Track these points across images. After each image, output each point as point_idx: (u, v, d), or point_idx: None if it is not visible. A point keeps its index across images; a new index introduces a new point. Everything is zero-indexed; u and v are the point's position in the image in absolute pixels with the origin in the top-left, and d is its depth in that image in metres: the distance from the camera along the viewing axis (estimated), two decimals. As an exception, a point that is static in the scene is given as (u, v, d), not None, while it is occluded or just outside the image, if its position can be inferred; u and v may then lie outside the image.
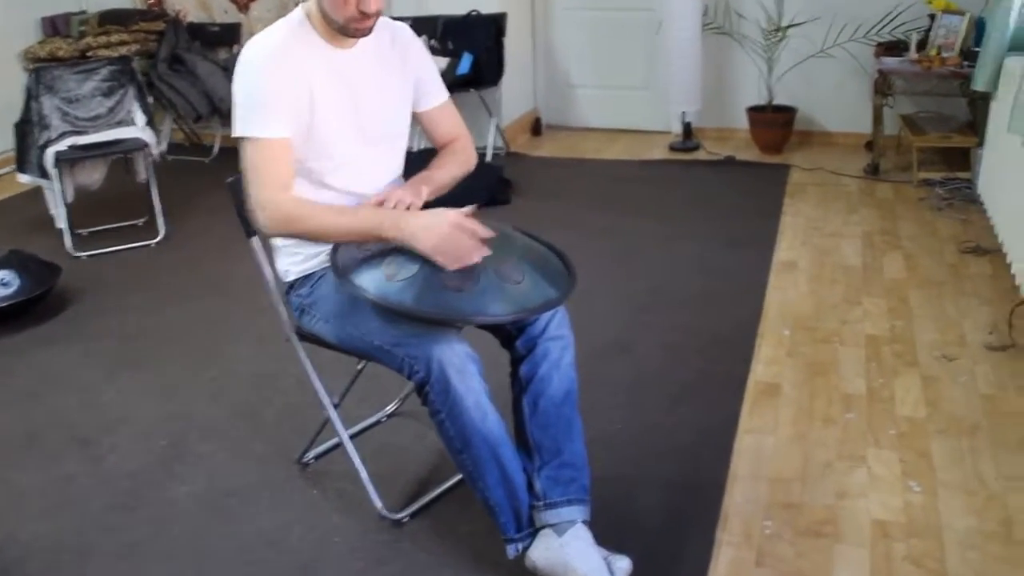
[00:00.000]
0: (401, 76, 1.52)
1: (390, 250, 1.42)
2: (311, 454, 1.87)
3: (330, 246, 1.53)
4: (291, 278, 1.60)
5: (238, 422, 2.07)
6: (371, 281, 1.40)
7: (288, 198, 1.43)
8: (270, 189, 1.37)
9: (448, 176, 1.56)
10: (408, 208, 1.49)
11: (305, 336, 1.66)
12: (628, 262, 3.05)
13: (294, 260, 1.64)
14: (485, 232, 1.38)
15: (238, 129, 1.38)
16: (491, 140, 4.28)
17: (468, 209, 1.41)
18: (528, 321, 1.46)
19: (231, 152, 4.36)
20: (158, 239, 3.27)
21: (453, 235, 1.36)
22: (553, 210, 3.54)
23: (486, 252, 1.36)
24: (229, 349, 2.44)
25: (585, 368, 2.06)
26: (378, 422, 2.05)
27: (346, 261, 1.46)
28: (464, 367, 1.39)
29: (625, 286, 2.70)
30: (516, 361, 1.51)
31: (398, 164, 1.59)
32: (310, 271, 1.63)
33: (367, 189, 1.51)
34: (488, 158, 4.24)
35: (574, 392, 1.49)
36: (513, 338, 1.50)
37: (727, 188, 3.81)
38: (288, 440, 1.96)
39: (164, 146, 4.43)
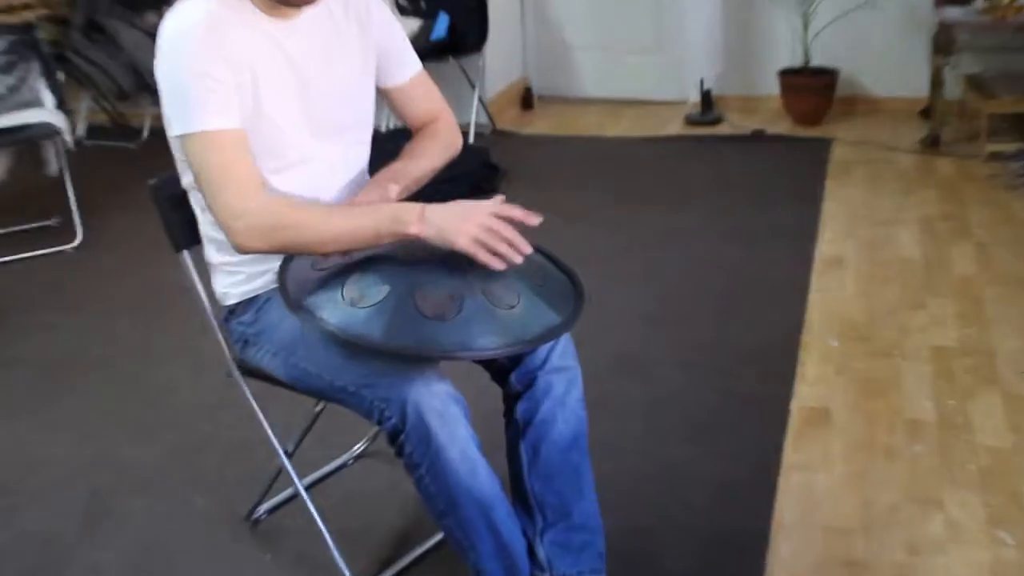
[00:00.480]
0: (360, 49, 1.47)
1: (351, 266, 1.36)
2: (263, 508, 1.84)
3: (276, 263, 1.47)
4: (231, 302, 1.55)
5: (174, 467, 2.06)
6: (330, 308, 1.34)
7: (269, 201, 1.34)
8: (243, 192, 1.32)
9: (427, 166, 1.53)
10: None
11: (250, 371, 1.61)
12: (638, 260, 3.03)
13: (234, 280, 1.58)
14: (533, 219, 1.35)
15: (177, 126, 1.32)
16: (473, 117, 4.26)
17: (499, 198, 1.37)
18: (525, 351, 1.43)
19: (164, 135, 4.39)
20: (76, 243, 3.31)
21: (496, 224, 1.33)
22: (548, 200, 3.54)
23: (529, 249, 1.33)
24: (163, 375, 2.43)
25: (590, 391, 2.03)
26: (344, 465, 2.02)
27: (298, 283, 1.40)
28: (446, 411, 1.34)
29: (635, 290, 2.72)
30: (511, 398, 1.48)
31: (360, 159, 1.55)
32: (253, 293, 1.57)
33: (323, 194, 1.47)
34: (471, 139, 4.22)
35: (583, 435, 1.47)
36: (507, 371, 1.48)
37: (756, 169, 3.79)
38: (235, 490, 1.94)
39: (81, 131, 4.36)
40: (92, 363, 2.59)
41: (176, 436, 2.18)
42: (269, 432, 1.64)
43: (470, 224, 1.32)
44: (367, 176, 1.64)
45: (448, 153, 1.63)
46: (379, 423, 1.39)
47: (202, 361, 2.49)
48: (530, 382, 1.46)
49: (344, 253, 1.40)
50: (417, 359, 1.34)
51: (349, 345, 1.33)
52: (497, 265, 1.32)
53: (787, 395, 2.10)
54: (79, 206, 3.28)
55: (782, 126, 4.21)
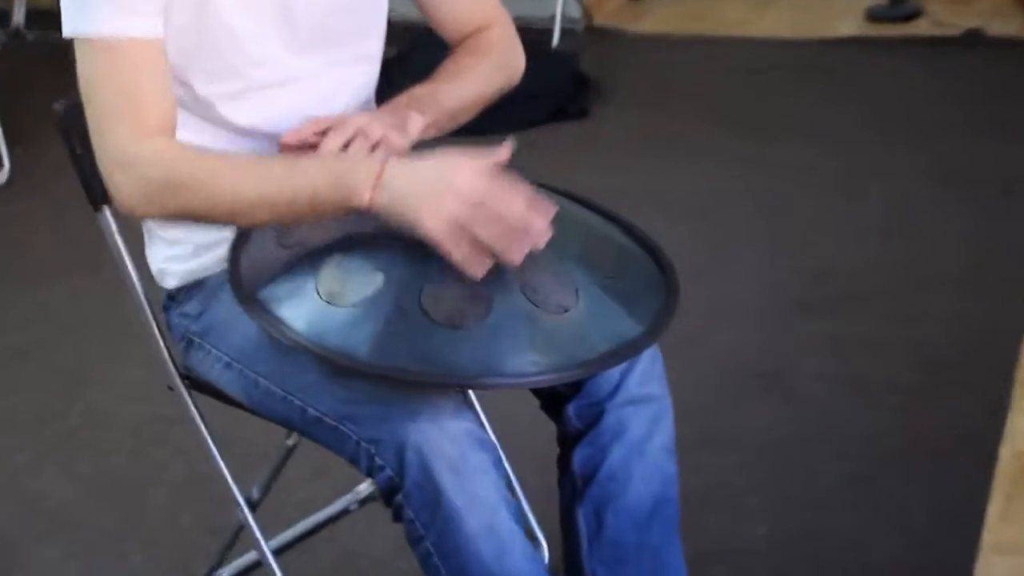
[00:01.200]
0: None
1: (333, 244, 1.35)
2: (225, 573, 1.83)
3: (232, 232, 1.44)
4: (171, 284, 1.57)
5: (105, 507, 2.07)
6: (297, 305, 1.32)
7: (166, 147, 1.35)
8: (137, 132, 1.33)
9: (470, 94, 1.53)
10: (376, 150, 1.41)
11: (199, 384, 1.58)
12: (781, 222, 3.01)
13: (175, 254, 1.55)
14: (546, 210, 1.29)
15: (70, 23, 1.34)
16: (559, 9, 4.19)
17: (505, 148, 1.31)
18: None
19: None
20: (1, 180, 3.37)
21: (490, 203, 1.27)
22: (657, 129, 3.52)
23: (548, 235, 1.28)
24: (103, 373, 2.49)
25: (696, 422, 2.03)
26: (344, 512, 1.98)
27: (256, 264, 1.38)
28: (464, 461, 1.30)
29: (774, 265, 2.81)
30: (568, 440, 1.49)
31: (364, 83, 1.55)
32: (201, 274, 1.54)
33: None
34: (554, 42, 4.16)
35: (672, 500, 1.47)
36: (563, 400, 1.48)
37: (970, 87, 3.70)
38: (189, 543, 1.95)
39: (20, 17, 4.40)
40: (10, 350, 2.61)
41: (113, 465, 2.22)
42: (225, 472, 1.61)
43: (447, 199, 1.26)
44: (374, 106, 1.61)
45: (503, 76, 1.58)
46: (368, 473, 1.36)
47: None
48: (595, 418, 1.45)
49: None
50: (421, 386, 1.30)
51: (322, 362, 1.30)
52: (474, 269, 1.27)
53: (995, 433, 2.09)
54: (5, 125, 3.28)
55: (1011, 24, 4.07)
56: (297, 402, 1.42)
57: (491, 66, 1.58)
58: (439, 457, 1.31)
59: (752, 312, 2.61)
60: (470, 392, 1.50)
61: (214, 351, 1.53)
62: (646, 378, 1.47)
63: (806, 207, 3.06)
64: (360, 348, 1.27)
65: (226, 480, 1.63)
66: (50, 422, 2.37)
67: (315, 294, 1.32)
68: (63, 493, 2.17)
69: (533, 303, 1.31)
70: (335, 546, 1.94)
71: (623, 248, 1.47)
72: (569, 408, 1.46)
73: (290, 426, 1.49)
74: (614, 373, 1.47)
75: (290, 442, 1.75)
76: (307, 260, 1.36)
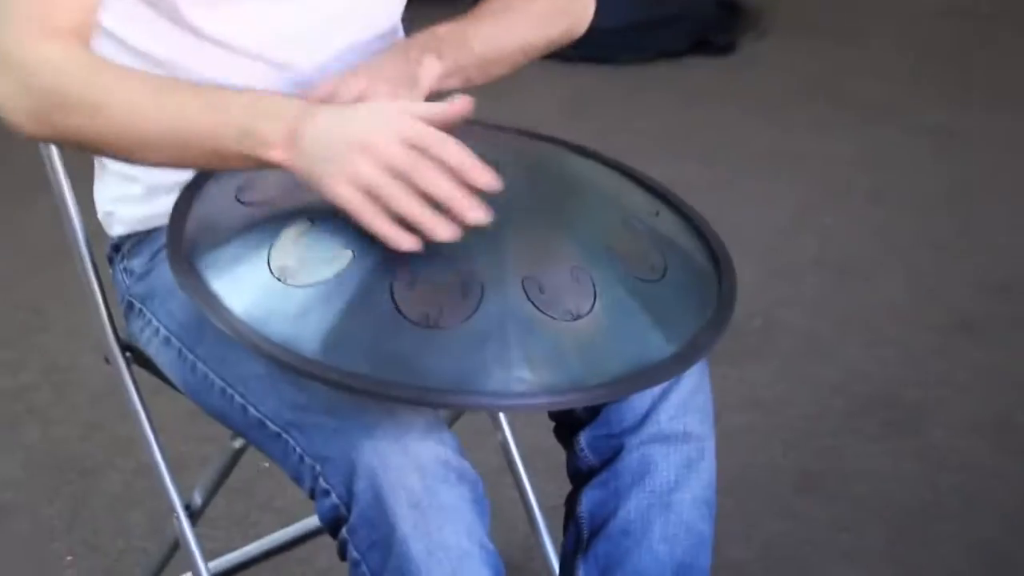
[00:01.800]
0: None
1: (305, 209, 1.36)
2: None
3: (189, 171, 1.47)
4: (117, 231, 1.60)
5: (47, 495, 2.14)
6: (240, 280, 1.34)
7: (63, 55, 1.37)
8: (33, 31, 1.35)
9: (513, 39, 1.55)
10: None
11: (143, 359, 1.63)
12: (963, 214, 3.03)
13: (125, 194, 1.59)
14: (483, 176, 1.29)
15: None
16: None
17: (458, 104, 1.31)
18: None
19: None
20: None
21: (407, 171, 1.27)
22: (821, 78, 3.56)
23: (481, 215, 1.27)
24: (67, 319, 2.55)
25: (796, 458, 2.13)
26: (318, 531, 1.98)
27: (204, 222, 1.40)
28: (430, 497, 1.31)
29: (940, 268, 2.84)
30: (579, 476, 1.51)
31: (387, 8, 1.57)
32: (155, 223, 1.57)
33: (302, 59, 1.49)
34: None
35: (701, 570, 1.48)
36: (576, 426, 1.50)
37: None
38: (134, 550, 2.02)
39: None
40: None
41: (63, 436, 2.28)
42: (161, 468, 1.66)
43: (359, 160, 1.27)
44: (400, 36, 1.63)
45: (563, 25, 1.58)
46: (311, 496, 1.38)
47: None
48: (612, 455, 1.47)
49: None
50: (381, 398, 1.31)
51: (260, 357, 1.31)
52: (398, 243, 1.27)
53: None
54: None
55: None
56: (238, 398, 1.44)
57: (548, 7, 1.58)
58: (398, 488, 1.32)
59: (896, 325, 2.63)
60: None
61: (154, 321, 1.56)
62: (683, 410, 1.48)
63: (1001, 198, 3.05)
64: (307, 342, 1.28)
65: (162, 478, 1.68)
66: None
67: (265, 267, 1.33)
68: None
69: (534, 304, 1.30)
70: (311, 569, 1.99)
71: (670, 240, 1.45)
72: (582, 437, 1.48)
73: (229, 425, 1.51)
74: (641, 400, 1.48)
75: (236, 443, 1.77)
76: (268, 224, 1.37)
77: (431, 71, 1.47)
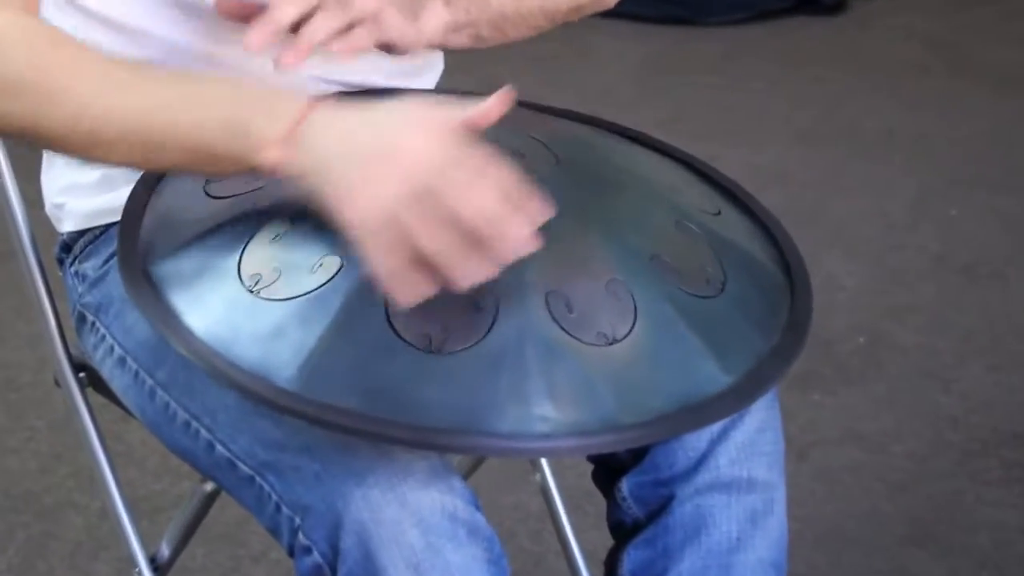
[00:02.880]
0: None
1: (284, 206, 1.36)
2: None
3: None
4: (67, 227, 1.62)
5: None
6: (203, 293, 1.34)
7: (16, 26, 1.38)
8: None
9: None
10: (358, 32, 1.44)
11: (98, 381, 1.64)
12: None
13: (77, 183, 1.61)
14: (538, 207, 1.25)
15: None
16: None
17: (499, 100, 1.27)
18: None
19: None
20: None
21: (444, 191, 1.23)
22: (948, 45, 3.61)
23: (529, 248, 1.24)
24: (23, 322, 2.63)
25: (906, 504, 2.15)
26: None
27: (163, 220, 1.42)
28: (433, 557, 1.31)
29: None
30: (621, 530, 1.54)
31: None
32: (108, 218, 1.58)
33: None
34: None
35: None
36: (618, 470, 1.53)
37: None
38: None
39: None
40: None
41: (19, 468, 2.34)
42: (121, 513, 1.68)
43: (384, 178, 1.24)
44: None
45: None
46: (290, 552, 1.38)
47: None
48: (661, 505, 1.49)
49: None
50: (372, 438, 1.31)
51: (226, 386, 1.30)
52: (409, 295, 1.24)
53: None
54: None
55: None
56: (204, 433, 1.45)
57: None
58: (393, 546, 1.31)
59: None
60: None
61: (108, 337, 1.57)
62: (747, 452, 1.49)
63: None
64: (283, 368, 1.27)
65: (122, 525, 1.69)
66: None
67: (235, 276, 1.33)
68: None
69: (560, 324, 1.29)
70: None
71: (732, 246, 1.45)
72: (624, 484, 1.50)
73: (194, 465, 1.52)
74: (695, 441, 1.49)
75: (208, 486, 1.77)
76: (241, 223, 1.38)
77: (436, 18, 1.50)
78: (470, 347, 1.27)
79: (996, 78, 3.42)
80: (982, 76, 3.44)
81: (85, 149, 1.38)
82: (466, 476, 1.92)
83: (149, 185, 1.46)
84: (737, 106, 3.57)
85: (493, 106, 1.28)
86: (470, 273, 1.23)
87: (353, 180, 1.25)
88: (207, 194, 1.43)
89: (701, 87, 3.70)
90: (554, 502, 1.87)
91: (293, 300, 1.31)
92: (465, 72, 3.15)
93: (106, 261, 1.60)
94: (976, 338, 2.65)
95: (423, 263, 1.23)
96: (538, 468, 1.86)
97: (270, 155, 1.28)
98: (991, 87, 3.39)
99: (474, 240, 1.22)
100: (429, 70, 1.67)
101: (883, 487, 2.30)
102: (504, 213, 1.22)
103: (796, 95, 3.71)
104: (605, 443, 1.32)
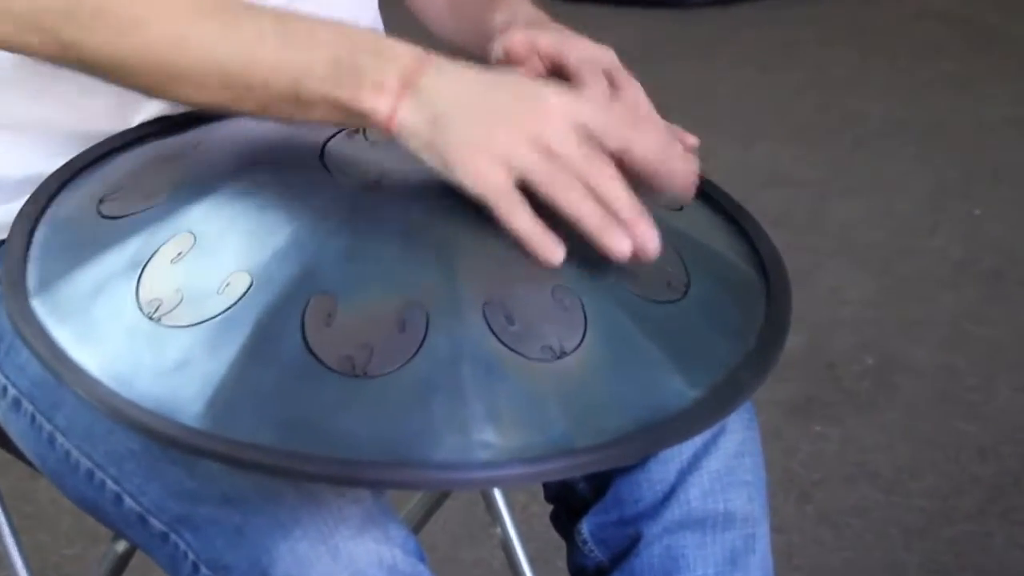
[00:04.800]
0: None
1: (187, 216, 1.39)
2: None
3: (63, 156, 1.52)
4: None
5: None
6: (96, 322, 1.36)
7: None
8: None
9: None
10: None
11: None
12: None
13: None
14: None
15: None
16: None
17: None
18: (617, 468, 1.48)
19: None
20: None
21: (607, 131, 1.32)
22: (962, 5, 3.73)
23: (654, 244, 1.32)
24: None
25: (931, 538, 2.11)
26: None
27: (52, 241, 1.44)
28: None
29: None
30: (583, 574, 1.56)
31: None
32: (4, 234, 1.57)
33: None
34: None
35: None
36: (579, 508, 1.55)
37: None
38: None
39: None
40: None
41: None
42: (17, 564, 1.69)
43: (523, 129, 1.30)
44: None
45: None
46: None
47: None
48: (625, 547, 1.50)
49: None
50: (291, 476, 1.34)
51: (130, 428, 1.32)
52: (550, 252, 1.29)
53: None
54: None
55: None
56: (110, 484, 1.47)
57: None
58: None
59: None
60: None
61: (0, 377, 1.60)
62: (723, 483, 1.50)
63: None
64: (190, 403, 1.29)
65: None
66: None
67: (133, 301, 1.35)
68: None
69: (500, 338, 1.31)
70: None
71: (697, 244, 1.47)
72: (584, 524, 1.51)
73: (102, 520, 1.53)
74: (662, 471, 1.51)
75: (121, 546, 1.79)
76: (138, 241, 1.40)
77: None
78: (398, 368, 1.29)
79: (1020, 57, 3.47)
80: (1005, 55, 3.49)
81: (164, 87, 1.42)
82: (417, 528, 1.94)
83: (38, 204, 1.48)
84: (726, 96, 3.58)
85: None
86: (616, 242, 1.29)
87: (476, 136, 1.30)
88: (101, 214, 1.45)
89: (685, 76, 3.70)
90: (517, 557, 1.89)
91: (198, 326, 1.33)
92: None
93: None
94: (1003, 355, 2.66)
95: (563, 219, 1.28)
96: (497, 519, 1.87)
97: (382, 103, 1.32)
98: (1016, 67, 3.44)
99: (637, 187, 1.29)
100: None
101: (899, 531, 2.31)
102: (672, 148, 1.31)
103: (793, 83, 3.71)
104: (556, 469, 1.33)
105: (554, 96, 1.32)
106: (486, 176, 1.29)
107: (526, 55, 1.52)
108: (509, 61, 1.53)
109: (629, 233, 1.29)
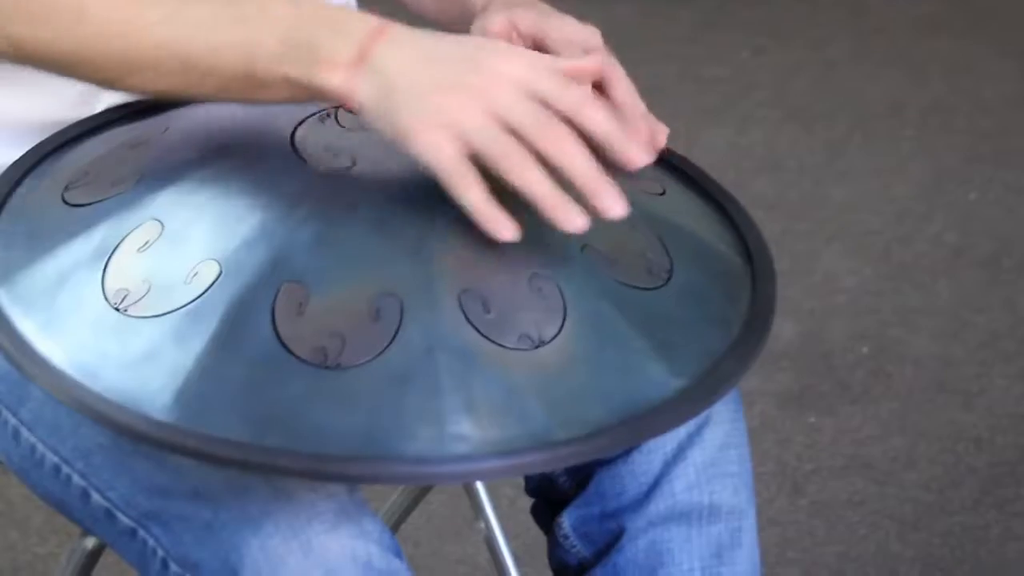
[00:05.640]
0: None
1: (152, 203, 1.39)
2: None
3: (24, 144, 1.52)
4: None
5: None
6: (67, 318, 1.36)
7: None
8: None
9: None
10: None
11: None
12: None
13: None
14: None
15: None
16: None
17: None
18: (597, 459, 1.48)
19: None
20: None
21: (524, 109, 1.30)
22: None
23: (619, 212, 1.31)
24: None
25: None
26: None
27: (16, 232, 1.44)
28: None
29: None
30: (565, 572, 1.57)
31: None
32: None
33: None
34: None
35: None
36: (560, 502, 1.55)
37: None
38: None
39: None
40: None
41: None
42: None
43: (473, 96, 1.30)
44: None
45: None
46: None
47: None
48: (609, 542, 1.50)
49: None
50: (262, 471, 1.34)
51: (95, 421, 1.31)
52: (499, 229, 1.29)
53: None
54: None
55: None
56: (76, 479, 1.47)
57: None
58: None
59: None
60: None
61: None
62: (708, 474, 1.50)
63: None
64: (157, 396, 1.29)
65: None
66: None
67: (99, 292, 1.35)
68: None
69: (476, 327, 1.31)
70: None
71: (679, 229, 1.47)
72: (565, 518, 1.51)
73: (70, 516, 1.54)
74: (645, 463, 1.51)
75: (89, 542, 1.78)
76: (103, 230, 1.40)
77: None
78: (372, 359, 1.29)
79: (1023, 37, 3.42)
80: (1006, 35, 3.49)
81: (118, 76, 1.41)
82: (399, 523, 1.95)
83: (1, 192, 1.48)
84: (718, 80, 3.58)
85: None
86: (571, 218, 1.29)
87: (426, 107, 1.29)
88: (65, 202, 1.45)
89: (676, 59, 3.70)
90: (501, 554, 1.88)
91: (166, 316, 1.33)
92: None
93: None
94: (1001, 344, 2.67)
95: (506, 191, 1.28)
96: (481, 515, 1.87)
97: (335, 77, 1.32)
98: (1018, 45, 3.44)
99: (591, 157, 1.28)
100: None
101: (893, 523, 2.32)
102: (621, 130, 1.29)
103: (787, 65, 3.71)
104: (535, 462, 1.33)
105: (506, 62, 1.31)
106: (436, 148, 1.29)
107: (506, 38, 1.52)
108: None
109: (590, 203, 1.28)
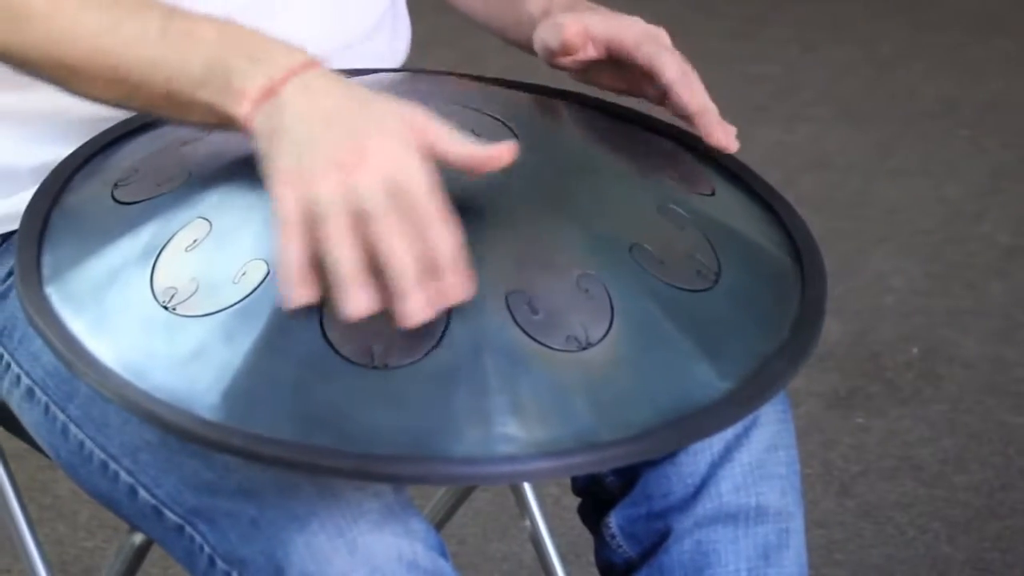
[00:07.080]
0: None
1: (201, 203, 1.40)
2: None
3: (69, 143, 1.54)
4: None
5: None
6: (116, 317, 1.37)
7: None
8: None
9: None
10: None
11: (9, 420, 1.68)
12: None
13: None
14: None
15: None
16: None
17: (503, 152, 1.33)
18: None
19: None
20: None
21: (374, 198, 1.29)
22: None
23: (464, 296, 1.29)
24: None
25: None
26: None
27: (66, 229, 1.45)
28: None
29: None
30: (612, 572, 1.57)
31: None
32: (16, 224, 1.57)
33: None
34: None
35: None
36: (607, 502, 1.55)
37: None
38: None
39: None
40: None
41: None
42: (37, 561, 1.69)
43: (340, 168, 1.30)
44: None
45: None
46: None
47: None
48: (655, 541, 1.51)
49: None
50: (309, 471, 1.34)
51: (143, 419, 1.33)
52: (293, 295, 1.29)
53: None
54: None
55: None
56: (124, 476, 1.48)
57: None
58: None
59: None
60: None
61: (14, 365, 1.61)
62: (755, 476, 1.51)
63: None
64: (205, 395, 1.30)
65: None
66: None
67: (147, 291, 1.36)
68: None
69: (524, 329, 1.32)
70: None
71: (728, 230, 1.47)
72: (612, 519, 1.52)
73: (117, 512, 1.55)
74: (692, 464, 1.53)
75: (137, 538, 1.80)
76: (152, 231, 1.41)
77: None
78: (419, 360, 1.29)
79: None
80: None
81: (63, 81, 1.43)
82: (444, 521, 1.95)
83: (50, 191, 1.48)
84: (766, 77, 3.57)
85: (493, 155, 1.33)
86: (354, 304, 1.27)
87: (296, 160, 1.30)
88: (115, 200, 1.46)
89: (722, 56, 3.67)
90: (547, 552, 1.89)
91: (214, 315, 1.34)
92: (447, 45, 3.17)
93: (8, 276, 1.63)
94: None
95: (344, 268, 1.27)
96: (527, 513, 1.88)
97: (242, 108, 1.33)
98: None
99: (422, 268, 1.26)
100: (378, 32, 1.73)
101: (943, 526, 2.31)
102: (455, 254, 1.27)
103: (837, 62, 3.69)
104: (582, 463, 1.33)
105: (391, 148, 1.31)
106: (282, 200, 1.29)
107: (582, 44, 1.53)
108: (565, 53, 1.55)
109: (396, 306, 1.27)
